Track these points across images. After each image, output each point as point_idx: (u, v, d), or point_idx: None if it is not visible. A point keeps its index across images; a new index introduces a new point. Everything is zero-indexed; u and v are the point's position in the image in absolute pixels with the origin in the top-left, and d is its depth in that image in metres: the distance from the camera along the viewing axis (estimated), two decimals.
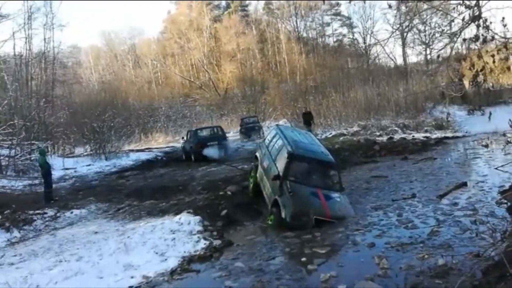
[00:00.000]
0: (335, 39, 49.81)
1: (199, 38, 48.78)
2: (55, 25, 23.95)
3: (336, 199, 8.22)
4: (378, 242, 6.51)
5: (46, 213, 10.87)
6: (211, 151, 17.84)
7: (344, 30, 49.32)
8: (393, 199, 8.82)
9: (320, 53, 46.09)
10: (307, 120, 20.65)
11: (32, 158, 18.00)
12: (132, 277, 6.06)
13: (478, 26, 4.74)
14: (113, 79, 49.41)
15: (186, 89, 49.05)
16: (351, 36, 48.14)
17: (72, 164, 19.41)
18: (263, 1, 51.83)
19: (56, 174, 15.98)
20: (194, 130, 20.18)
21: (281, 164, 8.50)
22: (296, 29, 48.12)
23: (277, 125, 10.70)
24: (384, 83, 26.95)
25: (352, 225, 7.53)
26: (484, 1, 4.71)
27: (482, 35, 4.79)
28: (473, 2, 4.77)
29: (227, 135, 21.22)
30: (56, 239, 8.59)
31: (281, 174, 8.23)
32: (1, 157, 17.37)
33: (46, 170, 12.80)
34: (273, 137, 9.88)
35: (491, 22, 4.78)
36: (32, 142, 19.07)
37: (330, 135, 20.16)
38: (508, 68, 4.98)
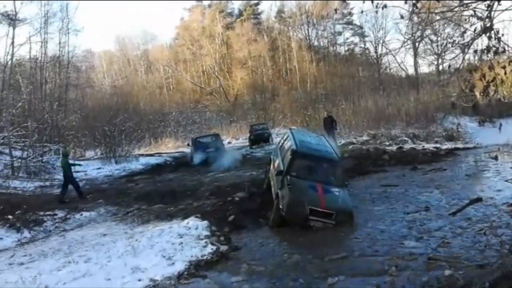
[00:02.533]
0: (346, 48, 49.81)
1: (211, 44, 49.09)
2: (70, 30, 24.43)
3: (335, 193, 8.47)
4: (390, 250, 6.52)
5: (56, 214, 11.00)
6: (201, 158, 18.55)
7: (356, 39, 49.23)
8: (405, 212, 8.70)
9: (331, 62, 46.05)
10: (329, 125, 19.05)
11: (44, 160, 18.22)
12: (139, 280, 6.11)
13: (489, 37, 4.74)
14: (125, 83, 49.82)
15: (197, 95, 49.29)
16: (362, 45, 48.07)
17: (82, 167, 19.58)
18: (275, 10, 52.09)
19: None
20: (194, 138, 21.51)
21: (286, 161, 9.03)
22: (308, 38, 48.22)
23: (290, 129, 11.35)
24: (395, 93, 26.86)
25: (364, 232, 7.57)
26: (496, 13, 4.72)
27: (494, 46, 4.79)
28: (485, 14, 4.78)
29: (225, 142, 22.48)
30: (66, 241, 8.69)
31: (284, 170, 8.70)
32: (14, 159, 17.62)
33: (66, 171, 13.17)
34: (285, 139, 10.52)
35: (503, 34, 4.78)
36: (44, 144, 19.32)
37: (340, 144, 20.04)
38: None
